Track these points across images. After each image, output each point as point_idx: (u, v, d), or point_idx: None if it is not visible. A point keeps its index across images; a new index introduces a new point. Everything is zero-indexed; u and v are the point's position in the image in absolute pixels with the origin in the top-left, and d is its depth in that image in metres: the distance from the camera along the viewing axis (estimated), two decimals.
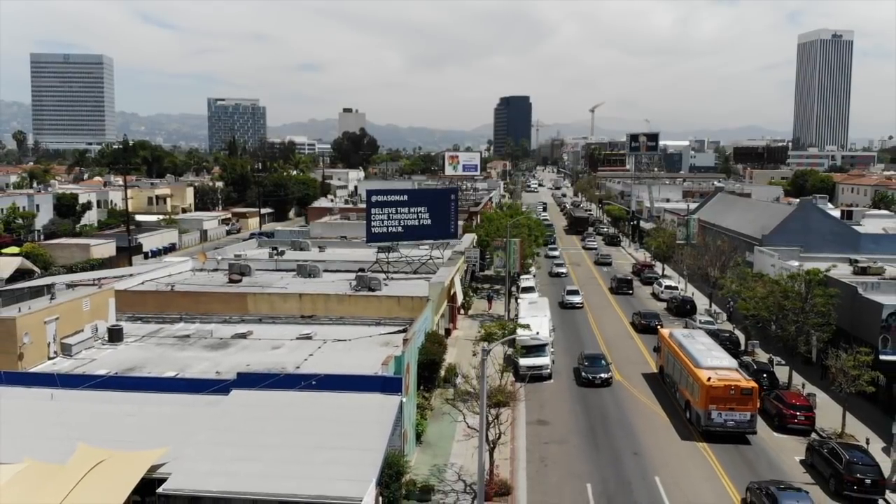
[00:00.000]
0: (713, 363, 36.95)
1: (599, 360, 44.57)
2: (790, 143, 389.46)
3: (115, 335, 37.69)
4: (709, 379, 35.21)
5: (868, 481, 28.92)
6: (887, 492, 29.49)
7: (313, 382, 27.75)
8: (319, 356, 34.47)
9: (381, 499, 24.32)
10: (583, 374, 43.17)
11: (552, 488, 29.55)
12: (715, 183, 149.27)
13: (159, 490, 22.83)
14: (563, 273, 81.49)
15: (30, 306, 35.62)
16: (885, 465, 30.66)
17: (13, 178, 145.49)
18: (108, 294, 39.96)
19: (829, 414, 37.12)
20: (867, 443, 32.91)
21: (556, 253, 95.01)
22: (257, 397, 27.39)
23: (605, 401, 40.18)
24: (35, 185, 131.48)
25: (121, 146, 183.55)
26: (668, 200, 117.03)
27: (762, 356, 47.03)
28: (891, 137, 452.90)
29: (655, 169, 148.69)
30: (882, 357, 32.28)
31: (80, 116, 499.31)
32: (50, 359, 34.56)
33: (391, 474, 25.57)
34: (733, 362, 38.19)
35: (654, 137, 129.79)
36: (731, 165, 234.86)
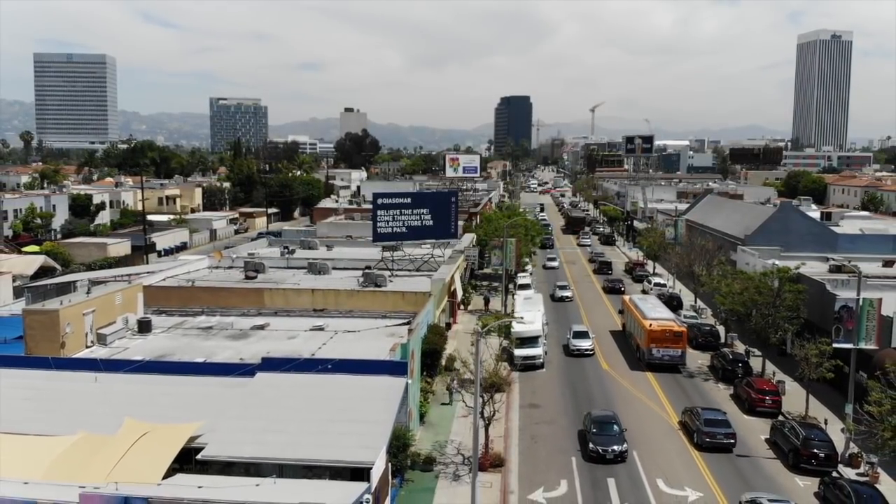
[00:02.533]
0: (656, 315, 48.99)
1: (611, 424, 34.96)
2: (789, 143, 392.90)
3: (144, 326, 41.35)
4: (650, 325, 47.02)
5: (822, 455, 32.54)
6: (840, 465, 33.09)
7: (329, 366, 31.35)
8: (332, 345, 38.05)
9: (389, 465, 27.86)
10: (590, 445, 33.78)
11: (541, 461, 33.17)
12: (709, 184, 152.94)
13: (198, 456, 26.32)
14: (567, 297, 67.42)
15: (70, 300, 39.13)
16: (841, 442, 34.21)
17: (24, 179, 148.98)
18: (136, 289, 43.53)
19: (797, 399, 40.58)
20: (825, 423, 36.49)
21: (555, 263, 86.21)
22: (280, 379, 30.97)
23: (591, 387, 43.82)
24: (45, 185, 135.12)
25: (127, 146, 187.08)
26: (661, 201, 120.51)
27: (740, 348, 50.67)
28: (889, 138, 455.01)
29: (650, 170, 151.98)
30: (835, 345, 35.76)
31: (83, 116, 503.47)
32: (87, 347, 38.11)
33: (398, 446, 29.11)
34: (671, 315, 50.60)
35: (648, 140, 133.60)
36: (729, 166, 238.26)
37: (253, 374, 31.49)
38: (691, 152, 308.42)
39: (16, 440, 27.36)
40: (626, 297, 56.08)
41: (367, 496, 22.73)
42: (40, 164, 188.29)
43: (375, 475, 24.64)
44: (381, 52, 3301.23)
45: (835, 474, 32.13)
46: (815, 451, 32.62)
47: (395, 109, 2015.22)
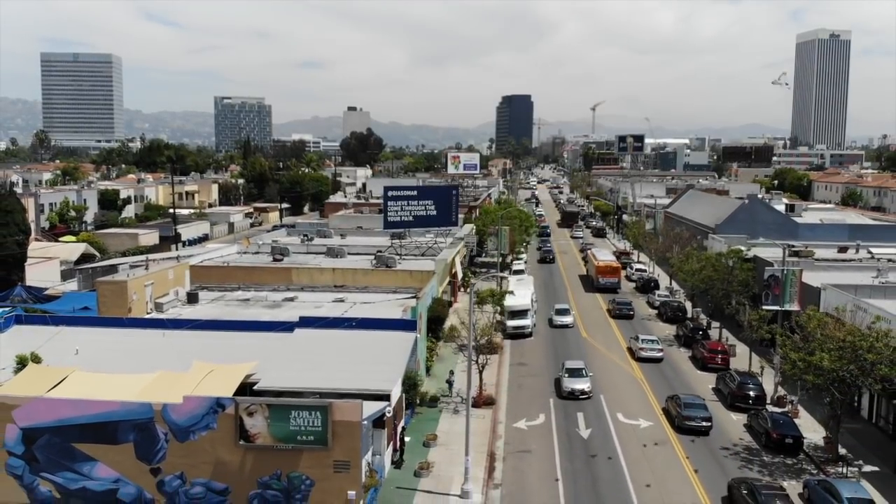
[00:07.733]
0: (604, 258, 76.17)
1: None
2: (788, 142, 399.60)
3: (192, 298, 48.75)
4: (598, 263, 73.38)
5: (753, 396, 40.09)
6: (769, 405, 40.57)
7: (353, 324, 38.71)
8: (352, 313, 45.26)
9: (403, 396, 35.34)
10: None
11: (525, 401, 40.78)
12: (700, 181, 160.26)
13: (255, 387, 33.64)
14: (583, 391, 41.30)
15: (134, 274, 46.64)
16: (772, 388, 41.68)
17: (46, 176, 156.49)
18: (184, 267, 51.06)
19: (745, 359, 48.02)
20: (762, 372, 43.94)
21: (568, 319, 59.08)
22: (314, 333, 38.32)
23: (570, 350, 51.33)
24: (66, 181, 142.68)
25: (142, 145, 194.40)
26: (651, 197, 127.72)
27: (704, 320, 58.14)
28: (885, 136, 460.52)
29: (640, 167, 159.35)
30: (764, 307, 43.13)
31: (89, 115, 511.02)
32: (147, 314, 45.55)
33: (410, 384, 36.64)
34: (614, 258, 78.29)
35: (640, 139, 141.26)
36: (723, 164, 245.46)
37: (292, 329, 38.81)
38: (688, 150, 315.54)
39: (106, 376, 34.57)
40: (589, 251, 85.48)
41: (388, 408, 30.24)
42: (58, 161, 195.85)
43: (394, 397, 32.10)
44: (384, 50, 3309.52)
45: (764, 411, 39.60)
46: (748, 392, 40.18)
47: (397, 107, 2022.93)
